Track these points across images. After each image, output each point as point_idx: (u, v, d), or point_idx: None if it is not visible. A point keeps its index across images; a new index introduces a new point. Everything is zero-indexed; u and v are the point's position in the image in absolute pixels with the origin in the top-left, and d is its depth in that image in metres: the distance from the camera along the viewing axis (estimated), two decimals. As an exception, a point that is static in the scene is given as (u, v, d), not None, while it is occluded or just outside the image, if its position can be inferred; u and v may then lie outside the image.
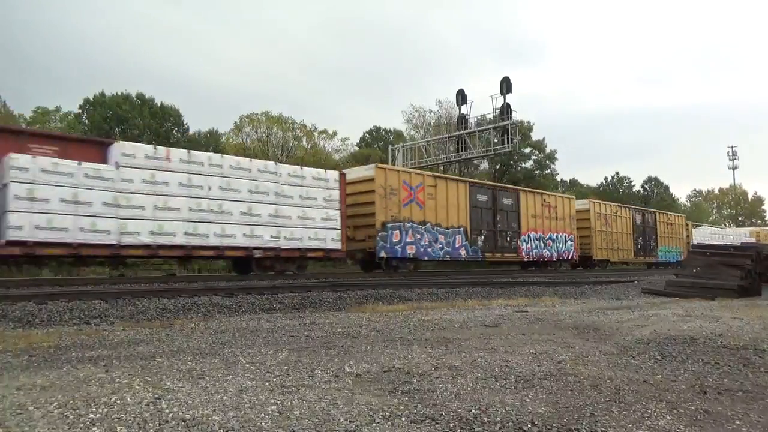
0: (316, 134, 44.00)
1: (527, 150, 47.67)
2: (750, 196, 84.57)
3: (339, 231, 16.45)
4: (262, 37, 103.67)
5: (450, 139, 31.89)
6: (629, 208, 32.39)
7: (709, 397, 3.08)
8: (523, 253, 23.57)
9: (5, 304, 7.39)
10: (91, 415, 2.53)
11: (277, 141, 41.29)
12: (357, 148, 47.71)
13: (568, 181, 63.75)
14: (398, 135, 46.54)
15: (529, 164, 49.27)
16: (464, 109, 31.34)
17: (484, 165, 46.89)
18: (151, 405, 2.70)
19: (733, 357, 4.25)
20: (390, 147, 35.81)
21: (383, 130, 50.77)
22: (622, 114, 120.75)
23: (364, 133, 51.38)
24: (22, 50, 61.83)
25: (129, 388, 3.05)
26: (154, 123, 36.69)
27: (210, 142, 38.43)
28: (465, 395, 3.00)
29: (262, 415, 2.58)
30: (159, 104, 38.08)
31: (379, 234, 17.39)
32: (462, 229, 20.35)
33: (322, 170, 17.08)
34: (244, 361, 3.89)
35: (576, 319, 6.70)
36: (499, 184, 26.80)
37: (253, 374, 3.46)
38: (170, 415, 2.54)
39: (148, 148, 13.67)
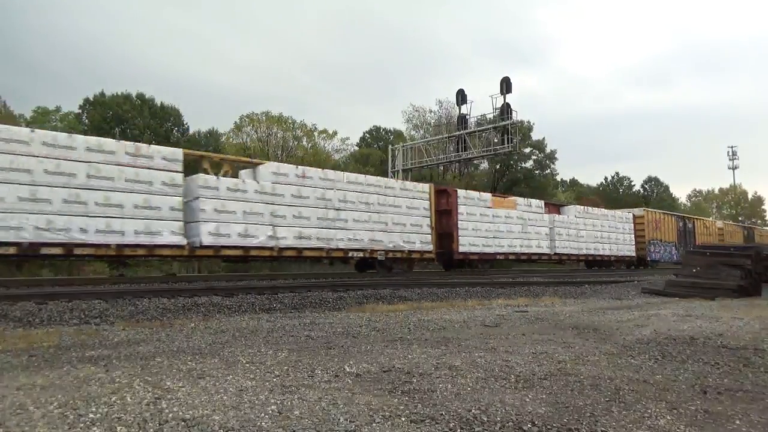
0: (316, 134, 44.02)
1: (527, 150, 47.65)
2: (750, 196, 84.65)
3: (634, 246, 29.01)
4: (263, 37, 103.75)
5: (450, 139, 31.88)
6: (743, 227, 45.76)
7: (709, 397, 3.08)
8: None
9: (5, 304, 7.40)
10: (91, 415, 2.53)
11: (277, 141, 41.30)
12: (357, 148, 47.72)
13: (568, 181, 63.76)
14: (398, 135, 46.53)
15: (529, 164, 49.29)
16: (464, 109, 31.36)
17: (484, 165, 46.89)
18: (151, 405, 2.70)
19: (733, 357, 4.25)
20: (390, 147, 35.82)
21: (383, 130, 50.79)
22: (621, 114, 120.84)
23: (364, 133, 51.43)
24: (23, 50, 61.89)
25: (129, 388, 3.05)
26: (154, 123, 36.70)
27: (210, 142, 38.43)
28: (465, 395, 3.00)
29: (262, 415, 2.58)
30: (159, 104, 38.09)
31: (647, 247, 29.75)
32: (673, 243, 32.26)
33: (624, 212, 30.51)
34: (244, 361, 3.89)
35: (576, 319, 6.70)
36: (686, 214, 40.74)
37: (253, 374, 3.46)
38: (170, 415, 2.54)
39: (579, 208, 27.25)
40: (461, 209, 20.17)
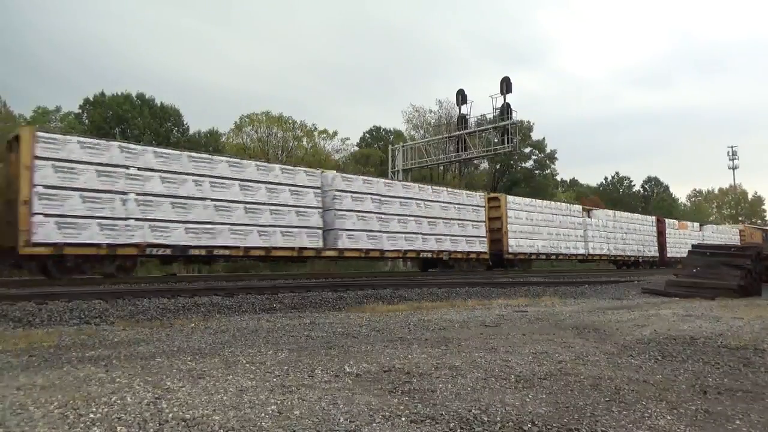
0: (316, 134, 43.96)
1: (527, 150, 47.68)
2: (750, 196, 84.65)
3: None
4: (263, 37, 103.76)
5: (450, 139, 31.91)
6: None
7: (710, 397, 3.08)
8: None
9: (5, 304, 7.39)
10: (92, 415, 2.52)
11: (277, 141, 41.29)
12: (357, 148, 47.70)
13: (568, 181, 63.76)
14: (398, 135, 46.50)
15: (529, 164, 49.35)
16: (464, 109, 31.39)
17: (484, 165, 46.89)
18: (151, 405, 2.70)
19: (733, 357, 4.25)
20: (390, 147, 35.82)
21: (383, 130, 50.75)
22: (621, 114, 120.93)
23: (364, 133, 51.39)
24: (23, 50, 61.89)
25: (129, 388, 3.05)
26: (154, 123, 36.70)
27: (210, 142, 38.42)
28: (465, 395, 3.00)
29: (262, 415, 2.58)
30: (159, 104, 38.08)
31: None
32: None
33: (734, 227, 42.05)
34: (244, 361, 3.88)
35: (576, 318, 6.70)
36: (764, 227, 54.04)
37: (253, 374, 3.46)
38: (170, 415, 2.54)
39: (714, 227, 41.13)
40: (668, 231, 35.68)
